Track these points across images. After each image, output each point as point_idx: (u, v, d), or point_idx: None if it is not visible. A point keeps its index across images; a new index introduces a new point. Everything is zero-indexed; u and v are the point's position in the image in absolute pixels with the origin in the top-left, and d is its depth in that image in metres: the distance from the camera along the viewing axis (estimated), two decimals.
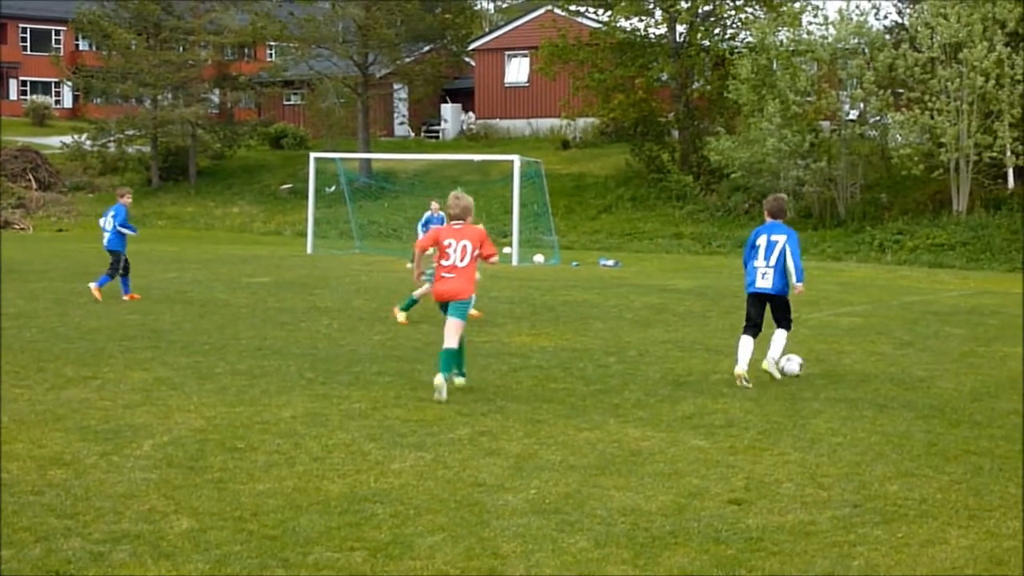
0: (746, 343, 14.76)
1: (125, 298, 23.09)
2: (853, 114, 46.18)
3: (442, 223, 33.61)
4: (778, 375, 14.85)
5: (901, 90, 44.10)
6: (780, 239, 14.71)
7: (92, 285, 23.05)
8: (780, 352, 14.97)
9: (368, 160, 56.80)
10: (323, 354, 16.42)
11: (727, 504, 9.14)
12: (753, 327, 14.92)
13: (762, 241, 14.84)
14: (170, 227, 51.57)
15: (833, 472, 10.13)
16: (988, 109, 41.50)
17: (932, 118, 41.34)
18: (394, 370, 15.11)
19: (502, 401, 13.09)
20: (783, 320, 15.09)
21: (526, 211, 40.50)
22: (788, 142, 43.66)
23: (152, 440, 10.88)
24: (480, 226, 14.18)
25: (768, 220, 15.19)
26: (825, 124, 46.69)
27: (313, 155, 43.38)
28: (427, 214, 34.50)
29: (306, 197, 44.03)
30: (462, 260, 13.52)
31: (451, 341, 13.49)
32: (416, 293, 19.92)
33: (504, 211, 43.03)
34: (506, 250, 38.96)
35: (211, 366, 15.17)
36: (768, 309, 15.06)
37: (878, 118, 45.15)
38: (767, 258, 14.73)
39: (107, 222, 23.80)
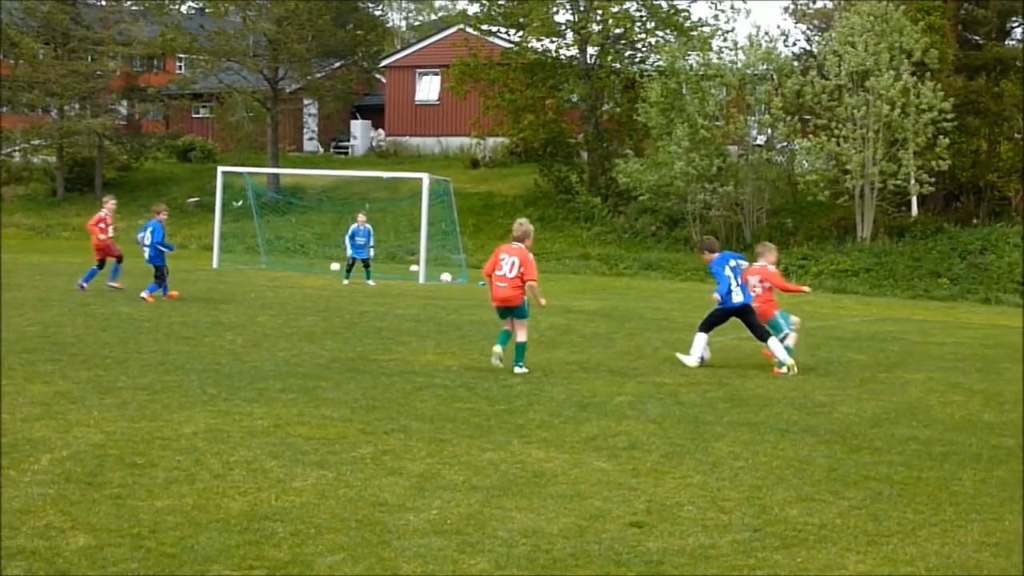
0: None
1: (146, 296, 25.72)
2: (760, 139, 46.67)
3: (367, 235, 34.23)
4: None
5: (808, 116, 44.68)
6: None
7: (143, 294, 25.70)
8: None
9: (276, 175, 56.54)
10: (226, 370, 16.29)
11: (628, 527, 9.14)
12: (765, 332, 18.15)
13: (729, 271, 18.45)
14: (75, 238, 50.89)
15: (734, 496, 10.18)
16: (893, 137, 42.11)
17: (838, 145, 41.91)
18: (297, 387, 15.01)
19: (405, 420, 13.05)
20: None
21: (434, 229, 40.48)
22: (696, 166, 44.03)
23: (50, 455, 10.72)
24: (531, 255, 17.07)
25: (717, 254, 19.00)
26: (733, 149, 47.14)
27: (221, 169, 43.10)
28: (353, 226, 34.96)
29: (213, 211, 43.72)
30: (510, 272, 16.85)
31: (520, 336, 17.04)
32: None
33: (412, 229, 43.02)
34: (413, 268, 39.01)
35: (112, 380, 15.00)
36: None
37: (785, 144, 45.68)
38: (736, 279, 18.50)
39: (145, 237, 26.67)
